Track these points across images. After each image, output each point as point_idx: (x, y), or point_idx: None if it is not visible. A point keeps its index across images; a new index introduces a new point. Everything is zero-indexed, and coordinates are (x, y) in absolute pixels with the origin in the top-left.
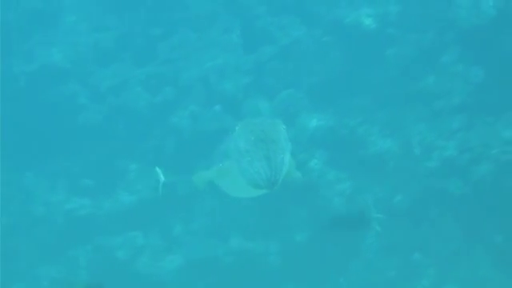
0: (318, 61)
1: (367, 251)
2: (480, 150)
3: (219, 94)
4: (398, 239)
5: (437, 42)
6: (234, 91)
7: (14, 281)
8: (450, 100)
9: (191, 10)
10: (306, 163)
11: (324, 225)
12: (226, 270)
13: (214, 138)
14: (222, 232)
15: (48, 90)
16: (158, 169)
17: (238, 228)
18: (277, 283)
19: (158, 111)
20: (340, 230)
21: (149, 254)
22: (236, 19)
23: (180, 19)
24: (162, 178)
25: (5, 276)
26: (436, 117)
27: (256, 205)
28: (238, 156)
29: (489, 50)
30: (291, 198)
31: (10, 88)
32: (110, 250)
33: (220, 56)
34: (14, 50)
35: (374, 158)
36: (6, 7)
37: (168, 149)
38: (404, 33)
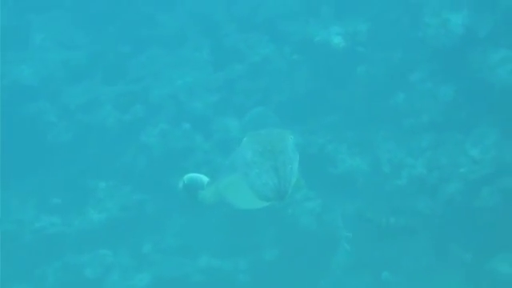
0: (287, 79)
1: (337, 269)
2: (449, 169)
3: (188, 112)
4: (368, 257)
5: (406, 61)
6: (204, 109)
7: None
8: (419, 118)
9: (161, 28)
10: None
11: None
12: None
13: (183, 155)
14: (191, 250)
15: (17, 107)
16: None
17: (207, 246)
18: None
19: (128, 129)
20: None
21: (118, 273)
22: (205, 37)
23: (150, 37)
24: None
25: None
26: (405, 135)
27: (225, 223)
28: (246, 168)
29: (457, 68)
30: (260, 216)
31: None
32: (79, 268)
33: (189, 74)
34: None
35: (343, 176)
36: None
37: (137, 167)
38: (373, 51)
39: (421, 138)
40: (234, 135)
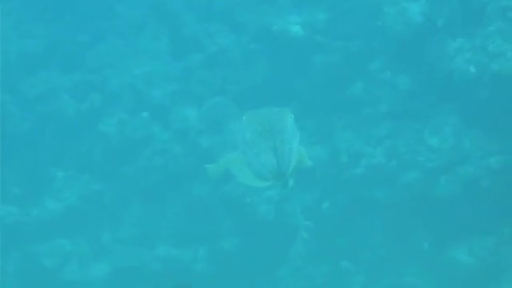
0: (246, 68)
1: (295, 258)
2: (407, 157)
3: (147, 102)
4: (326, 246)
5: (364, 50)
6: (162, 98)
7: None
8: (378, 107)
9: (119, 17)
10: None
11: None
12: (153, 277)
13: (142, 145)
14: (149, 239)
15: None
16: None
17: (166, 235)
18: None
19: (86, 118)
20: None
21: (76, 262)
22: (164, 27)
23: (108, 27)
24: None
25: None
26: (364, 124)
27: (183, 212)
28: (245, 147)
29: (416, 57)
30: (218, 205)
31: None
32: (37, 257)
33: (148, 63)
34: None
35: None
36: None
37: (95, 156)
38: (331, 40)
39: (379, 127)
40: (192, 125)
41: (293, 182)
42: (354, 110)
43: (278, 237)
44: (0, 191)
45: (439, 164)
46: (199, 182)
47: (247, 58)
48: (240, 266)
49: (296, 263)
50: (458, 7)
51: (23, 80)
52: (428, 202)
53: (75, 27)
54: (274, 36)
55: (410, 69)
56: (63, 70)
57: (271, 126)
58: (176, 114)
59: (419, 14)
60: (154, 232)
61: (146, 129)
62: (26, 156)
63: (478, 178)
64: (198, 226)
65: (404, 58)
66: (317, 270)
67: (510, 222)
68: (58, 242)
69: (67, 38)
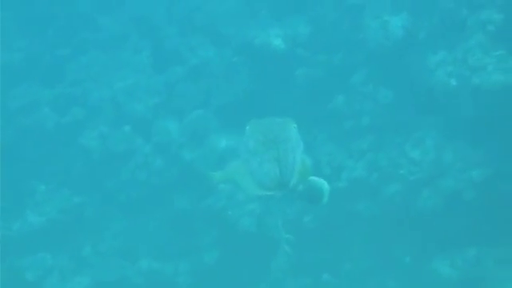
0: (228, 81)
1: (276, 271)
2: (389, 171)
3: (128, 115)
4: (308, 259)
5: (346, 63)
6: (144, 112)
7: None
8: (359, 120)
9: (101, 30)
10: (216, 184)
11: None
12: None
13: (123, 158)
14: (130, 253)
15: None
16: None
17: (147, 249)
18: None
19: (67, 132)
20: None
21: (57, 275)
22: (146, 40)
23: (89, 40)
24: None
25: None
26: (345, 137)
27: (165, 226)
28: (248, 156)
29: (397, 70)
30: (200, 218)
31: None
32: (19, 271)
33: (129, 76)
34: None
35: None
36: None
37: (77, 169)
38: (313, 53)
39: (361, 140)
40: (174, 138)
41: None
42: (336, 123)
43: (259, 250)
44: None
45: (421, 177)
46: (181, 195)
47: (229, 71)
48: (222, 279)
49: (277, 276)
50: (438, 21)
51: (4, 93)
52: (410, 214)
53: (57, 40)
54: (255, 49)
55: (391, 82)
56: (44, 82)
57: (274, 135)
58: (158, 127)
59: (401, 27)
60: (136, 245)
61: (127, 142)
62: (7, 169)
63: (460, 191)
64: (179, 240)
65: (385, 71)
66: (298, 283)
67: (491, 234)
68: (40, 256)
69: (49, 51)
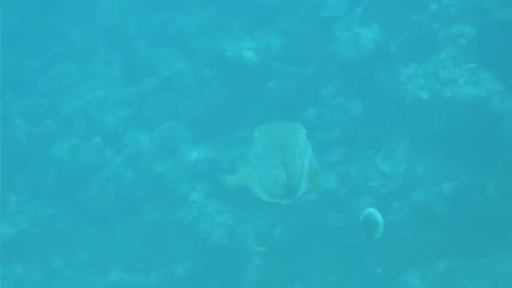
0: (199, 93)
1: (247, 283)
2: (359, 183)
3: (99, 127)
4: (279, 271)
5: (318, 75)
6: (115, 123)
7: None
8: (330, 133)
9: (72, 42)
10: (187, 196)
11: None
12: None
13: (94, 170)
14: (101, 265)
15: None
16: None
17: (118, 261)
18: None
19: (38, 143)
20: None
21: (28, 287)
22: (117, 52)
23: (61, 51)
24: None
25: None
26: (316, 149)
27: (136, 238)
28: (256, 162)
29: (368, 83)
30: (171, 230)
31: None
32: None
33: (101, 88)
34: None
35: None
36: None
37: (48, 181)
38: (285, 65)
39: (332, 153)
40: (145, 150)
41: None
42: (307, 135)
43: (230, 262)
44: None
45: (391, 190)
46: (152, 207)
47: (201, 83)
48: None
49: None
50: (410, 34)
51: None
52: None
53: (28, 52)
54: (227, 61)
55: (362, 94)
56: (16, 94)
57: (282, 141)
58: (129, 139)
59: (372, 40)
60: (107, 257)
61: (98, 154)
62: None
63: (431, 203)
64: (150, 252)
65: (357, 83)
66: None
67: (462, 247)
68: (10, 267)
69: (20, 63)
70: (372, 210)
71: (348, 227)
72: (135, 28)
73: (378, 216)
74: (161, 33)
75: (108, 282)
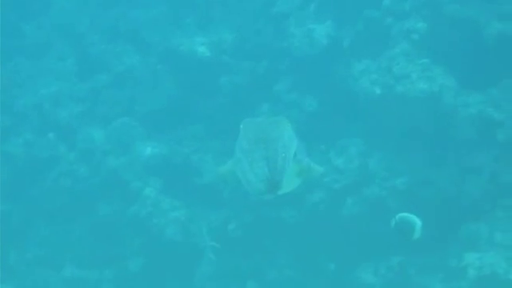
0: (153, 89)
1: (201, 279)
2: (313, 178)
3: (53, 122)
4: (232, 267)
5: (271, 70)
6: (68, 119)
7: None
8: None
9: (25, 37)
10: (141, 191)
11: None
12: None
13: (48, 165)
14: (55, 261)
15: None
16: None
17: (72, 257)
18: None
19: None
20: None
21: None
22: (70, 47)
23: (14, 47)
24: None
25: None
26: None
27: (90, 234)
28: (241, 156)
29: (322, 78)
30: (125, 225)
31: None
32: None
33: (54, 84)
34: None
35: (209, 186)
36: None
37: (2, 176)
38: (238, 61)
39: None
40: (98, 145)
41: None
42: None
43: (184, 257)
44: None
45: (345, 185)
46: (105, 202)
47: (154, 78)
48: (146, 287)
49: (202, 283)
50: (363, 29)
51: None
52: (334, 222)
53: None
54: (180, 56)
55: (316, 90)
56: None
57: (266, 134)
58: (82, 135)
59: (325, 35)
60: (61, 253)
61: (52, 149)
62: None
63: (384, 198)
64: (104, 247)
65: (310, 79)
66: None
67: (415, 242)
68: None
69: None
70: (405, 215)
71: (301, 222)
72: (88, 23)
73: (414, 218)
74: (114, 28)
75: (62, 277)
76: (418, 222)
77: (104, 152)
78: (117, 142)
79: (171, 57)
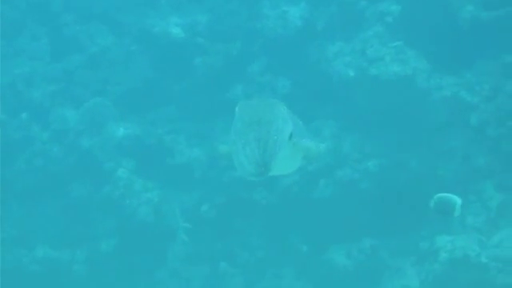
0: (126, 70)
1: (173, 260)
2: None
3: (26, 102)
4: (205, 248)
5: (245, 52)
6: (41, 99)
7: None
8: None
9: (0, 17)
10: (113, 172)
11: None
12: (31, 278)
13: (21, 146)
14: (28, 241)
15: None
16: None
17: (44, 237)
18: None
19: None
20: None
21: None
22: (44, 27)
23: None
24: None
25: None
26: None
27: (62, 214)
28: (235, 138)
29: (296, 60)
30: (97, 206)
31: None
32: None
33: (27, 64)
34: None
35: (181, 167)
36: None
37: None
38: (212, 42)
39: None
40: (72, 126)
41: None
42: (234, 113)
43: (156, 238)
44: None
45: (318, 167)
46: (78, 183)
47: (128, 59)
48: (118, 268)
49: (174, 265)
50: (337, 12)
51: None
52: (307, 204)
53: None
54: (154, 37)
55: (289, 72)
56: None
57: (260, 116)
58: (55, 115)
59: (299, 17)
60: (33, 233)
61: (25, 130)
62: None
63: (357, 180)
64: (76, 228)
65: (284, 61)
66: (195, 272)
67: (387, 225)
68: None
69: None
70: (443, 195)
71: (274, 204)
72: (62, 3)
73: (453, 197)
74: (88, 8)
75: (34, 257)
76: (457, 200)
77: (77, 132)
78: (90, 122)
79: (145, 38)
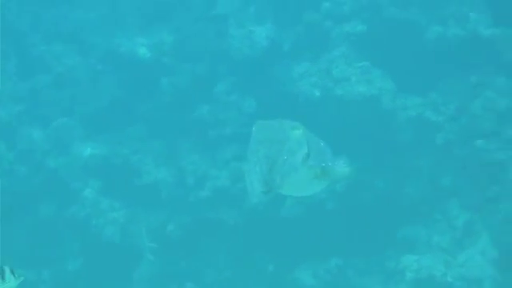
0: (93, 89)
1: (140, 280)
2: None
3: None
4: (171, 268)
5: (211, 72)
6: (8, 119)
7: None
8: (224, 130)
9: None
10: (80, 192)
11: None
12: None
13: None
14: None
15: None
16: None
17: (10, 257)
18: None
19: None
20: None
21: None
22: (11, 47)
23: None
24: None
25: None
26: (209, 147)
27: (29, 234)
28: (249, 156)
29: (262, 80)
30: (64, 226)
31: None
32: None
33: None
34: None
35: (148, 187)
36: None
37: None
38: (178, 62)
39: (225, 150)
40: (38, 146)
41: None
42: (200, 133)
43: (123, 258)
44: None
45: None
46: (45, 203)
47: (94, 78)
48: None
49: (141, 285)
50: (303, 32)
51: None
52: (273, 224)
53: None
54: (121, 57)
55: (255, 92)
56: None
57: (273, 136)
58: (22, 135)
59: (265, 37)
60: None
61: None
62: None
63: (323, 200)
64: (43, 247)
65: (250, 80)
66: None
67: (353, 244)
68: None
69: None
70: None
71: (240, 224)
72: (29, 23)
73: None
74: (55, 28)
75: None
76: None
77: (44, 152)
78: (56, 142)
79: (112, 58)
